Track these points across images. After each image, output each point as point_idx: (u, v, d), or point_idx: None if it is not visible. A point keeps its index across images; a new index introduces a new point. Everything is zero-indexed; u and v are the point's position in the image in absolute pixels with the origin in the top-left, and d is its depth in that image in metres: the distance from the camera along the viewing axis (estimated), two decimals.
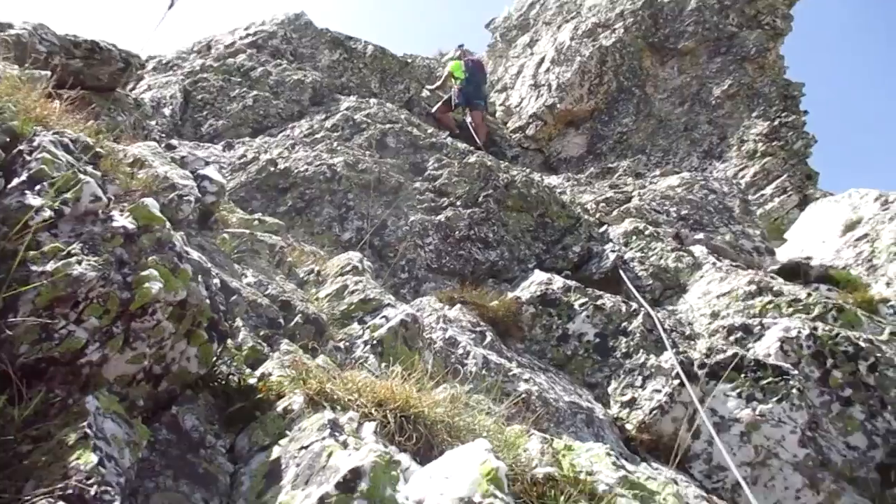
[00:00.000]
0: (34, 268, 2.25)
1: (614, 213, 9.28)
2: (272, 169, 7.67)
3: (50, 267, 2.26)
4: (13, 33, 5.83)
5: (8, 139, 2.91)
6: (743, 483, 3.88)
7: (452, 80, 13.47)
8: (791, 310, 6.18)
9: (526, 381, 4.91)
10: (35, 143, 2.82)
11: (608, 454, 2.83)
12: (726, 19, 14.32)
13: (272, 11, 13.18)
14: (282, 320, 3.89)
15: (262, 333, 3.60)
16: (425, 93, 14.09)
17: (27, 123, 3.09)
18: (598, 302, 6.09)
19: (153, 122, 8.29)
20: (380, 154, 8.44)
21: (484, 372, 4.82)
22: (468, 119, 13.06)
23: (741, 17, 14.24)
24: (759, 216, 10.91)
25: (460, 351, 5.01)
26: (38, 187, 2.56)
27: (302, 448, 2.21)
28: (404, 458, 2.18)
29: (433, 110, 13.28)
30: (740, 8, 14.27)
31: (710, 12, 14.47)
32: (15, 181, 2.61)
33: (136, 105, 7.62)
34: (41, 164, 2.65)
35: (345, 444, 2.13)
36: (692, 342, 5.86)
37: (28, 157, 2.74)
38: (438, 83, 14.04)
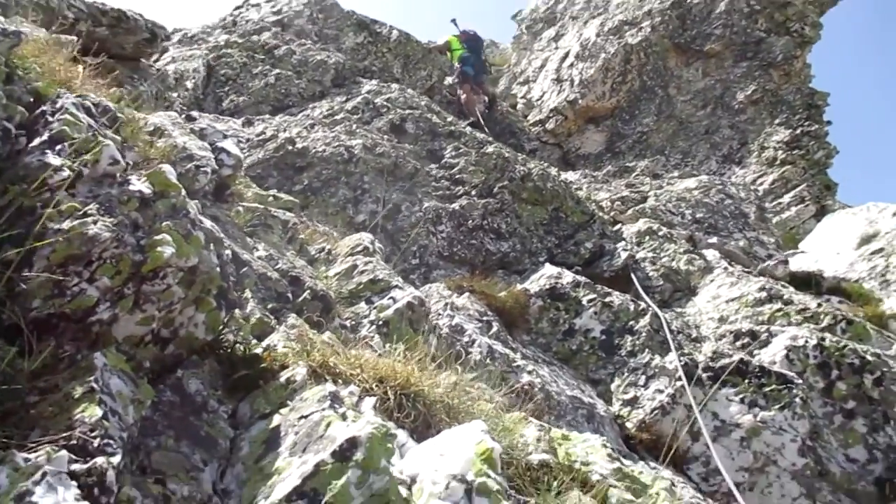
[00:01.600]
0: (51, 225, 2.30)
1: (629, 212, 9.25)
2: (290, 148, 7.71)
3: (66, 225, 2.31)
4: None
5: (32, 99, 2.96)
6: (735, 490, 3.89)
7: (449, 52, 13.98)
8: (800, 319, 6.15)
9: (529, 372, 4.93)
10: (58, 105, 2.87)
11: (604, 446, 2.86)
12: (755, 24, 14.16)
13: None
14: (290, 295, 3.93)
15: (269, 306, 3.64)
16: (448, 80, 14.10)
17: (51, 85, 3.14)
18: (607, 299, 6.09)
19: (175, 95, 8.36)
20: (398, 139, 8.45)
21: (488, 361, 4.85)
22: (462, 95, 13.19)
23: (770, 23, 14.07)
24: (775, 224, 10.83)
25: (465, 339, 5.04)
26: (58, 147, 2.61)
27: (301, 417, 2.25)
28: (401, 434, 2.21)
29: (460, 93, 13.30)
30: (770, 13, 14.10)
31: (738, 16, 14.31)
32: (36, 140, 2.66)
33: (159, 76, 7.68)
34: (63, 125, 2.69)
35: (343, 416, 2.17)
36: (698, 345, 5.86)
37: (50, 118, 2.78)
38: (438, 44, 14.63)
